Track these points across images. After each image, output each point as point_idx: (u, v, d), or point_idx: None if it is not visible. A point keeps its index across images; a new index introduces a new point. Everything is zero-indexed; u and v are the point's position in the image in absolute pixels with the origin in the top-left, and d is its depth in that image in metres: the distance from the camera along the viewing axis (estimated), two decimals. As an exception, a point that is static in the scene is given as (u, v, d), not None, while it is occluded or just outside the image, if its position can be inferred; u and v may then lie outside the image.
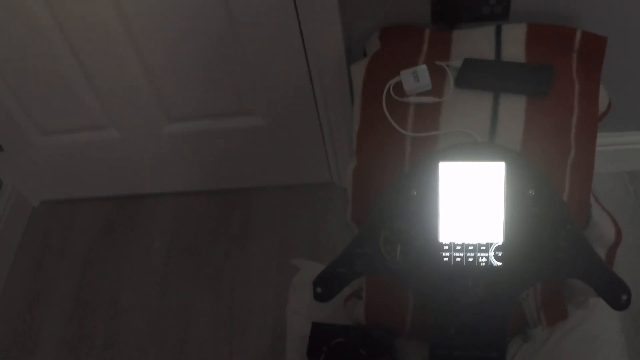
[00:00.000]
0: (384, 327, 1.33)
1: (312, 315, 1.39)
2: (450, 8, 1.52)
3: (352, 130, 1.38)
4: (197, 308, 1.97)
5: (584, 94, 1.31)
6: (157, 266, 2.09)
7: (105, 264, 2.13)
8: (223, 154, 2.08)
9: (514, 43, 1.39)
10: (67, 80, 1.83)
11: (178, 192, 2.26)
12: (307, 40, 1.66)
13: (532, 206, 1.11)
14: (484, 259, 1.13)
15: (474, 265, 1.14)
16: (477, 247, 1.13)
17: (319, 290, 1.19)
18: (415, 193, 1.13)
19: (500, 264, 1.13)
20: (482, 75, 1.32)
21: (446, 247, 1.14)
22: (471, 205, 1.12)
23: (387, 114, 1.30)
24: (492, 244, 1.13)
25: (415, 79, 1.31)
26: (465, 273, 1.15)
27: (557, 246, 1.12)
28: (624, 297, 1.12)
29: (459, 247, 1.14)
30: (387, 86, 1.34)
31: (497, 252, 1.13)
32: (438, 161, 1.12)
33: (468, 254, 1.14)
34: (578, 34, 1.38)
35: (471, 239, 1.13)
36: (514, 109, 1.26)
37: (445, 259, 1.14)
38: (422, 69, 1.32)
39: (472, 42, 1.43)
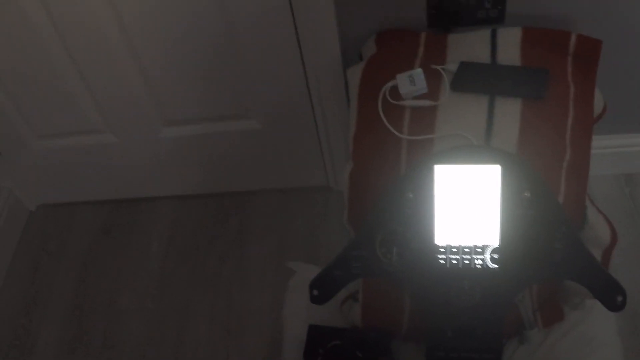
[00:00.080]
0: (380, 330, 1.33)
1: (308, 318, 1.39)
2: (446, 12, 1.52)
3: (348, 133, 1.39)
4: (194, 310, 1.97)
5: (579, 97, 1.32)
6: (154, 269, 2.09)
7: (103, 267, 2.13)
8: (220, 157, 2.08)
9: (510, 46, 1.40)
10: (64, 84, 1.83)
11: (175, 195, 2.26)
12: (304, 44, 1.67)
13: (528, 208, 1.12)
14: (480, 262, 1.14)
15: (470, 268, 1.14)
16: (473, 250, 1.13)
17: (315, 292, 1.20)
18: (411, 196, 1.14)
19: (496, 266, 1.14)
20: (477, 79, 1.32)
21: (442, 250, 1.14)
22: (467, 207, 1.12)
23: (383, 117, 1.31)
24: (488, 246, 1.13)
25: (411, 82, 1.32)
26: (461, 275, 1.15)
27: (553, 248, 1.12)
28: (620, 298, 1.12)
29: (455, 250, 1.14)
30: (383, 90, 1.34)
31: (493, 255, 1.13)
32: (434, 164, 1.12)
33: (464, 257, 1.14)
34: (573, 38, 1.39)
35: (467, 241, 1.14)
36: (509, 112, 1.26)
37: (442, 262, 1.15)
38: (418, 72, 1.33)
39: (468, 45, 1.43)
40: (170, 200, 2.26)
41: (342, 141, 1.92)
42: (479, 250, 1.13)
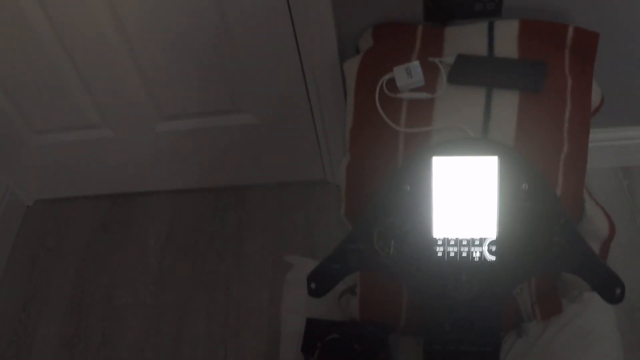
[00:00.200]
0: (378, 323, 1.33)
1: (306, 312, 1.39)
2: (443, 5, 1.52)
3: (345, 126, 1.38)
4: (192, 306, 1.97)
5: (577, 90, 1.31)
6: (152, 264, 2.09)
7: (100, 263, 2.13)
8: (217, 152, 2.08)
9: (507, 39, 1.39)
10: (61, 80, 1.82)
11: (172, 190, 2.26)
12: (300, 38, 1.66)
13: (525, 201, 1.12)
14: (478, 254, 1.14)
15: (467, 260, 1.14)
16: (471, 242, 1.13)
17: (313, 285, 1.20)
18: (408, 188, 1.14)
19: (494, 258, 1.14)
20: (474, 71, 1.32)
21: (440, 242, 1.14)
22: (465, 200, 1.12)
23: (380, 110, 1.30)
24: (485, 238, 1.13)
25: (408, 75, 1.32)
26: (459, 268, 1.15)
27: (550, 240, 1.12)
28: (618, 290, 1.12)
29: (452, 242, 1.14)
30: (380, 82, 1.34)
31: (490, 247, 1.13)
32: (431, 156, 1.12)
33: (462, 249, 1.14)
34: (570, 30, 1.38)
35: (465, 233, 1.14)
36: (507, 105, 1.26)
37: (439, 254, 1.15)
38: (415, 65, 1.33)
39: (465, 38, 1.43)
40: (168, 195, 2.26)
41: (340, 135, 1.92)
42: (477, 242, 1.13)
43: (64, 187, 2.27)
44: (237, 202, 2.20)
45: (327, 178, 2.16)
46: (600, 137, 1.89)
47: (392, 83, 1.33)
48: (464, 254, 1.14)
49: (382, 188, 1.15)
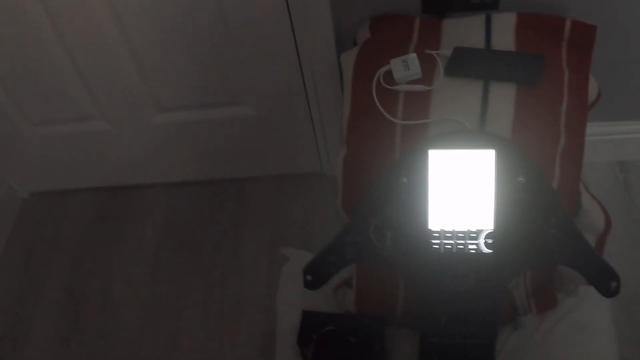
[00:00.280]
0: (374, 316, 1.33)
1: (302, 304, 1.39)
2: (440, -3, 1.52)
3: (342, 119, 1.38)
4: (188, 298, 1.97)
5: (574, 83, 1.31)
6: (148, 257, 2.09)
7: (97, 255, 2.13)
8: (213, 144, 2.07)
9: (504, 32, 1.39)
10: (58, 72, 1.82)
11: (169, 182, 2.26)
12: (298, 29, 1.66)
13: (522, 193, 1.12)
14: (474, 246, 1.13)
15: (464, 253, 1.14)
16: (467, 235, 1.13)
17: (309, 278, 1.20)
18: (405, 181, 1.13)
19: (490, 251, 1.13)
20: (472, 64, 1.32)
21: (436, 235, 1.14)
22: (461, 192, 1.12)
23: (377, 102, 1.30)
24: (482, 231, 1.13)
25: (405, 67, 1.31)
26: (455, 260, 1.15)
27: (547, 233, 1.12)
28: (614, 284, 1.12)
29: (449, 235, 1.14)
30: (377, 75, 1.34)
31: (487, 240, 1.13)
32: (428, 149, 1.12)
33: (458, 241, 1.14)
34: (568, 23, 1.38)
35: (461, 226, 1.13)
36: (504, 97, 1.26)
37: (435, 246, 1.15)
38: (412, 57, 1.32)
39: (462, 31, 1.43)
40: (164, 187, 2.26)
41: (336, 127, 1.92)
42: (473, 235, 1.13)
43: (61, 180, 2.27)
44: (233, 195, 2.20)
45: (323, 170, 2.16)
46: (596, 131, 1.89)
47: (389, 75, 1.33)
48: (460, 247, 1.14)
49: (379, 180, 1.15)
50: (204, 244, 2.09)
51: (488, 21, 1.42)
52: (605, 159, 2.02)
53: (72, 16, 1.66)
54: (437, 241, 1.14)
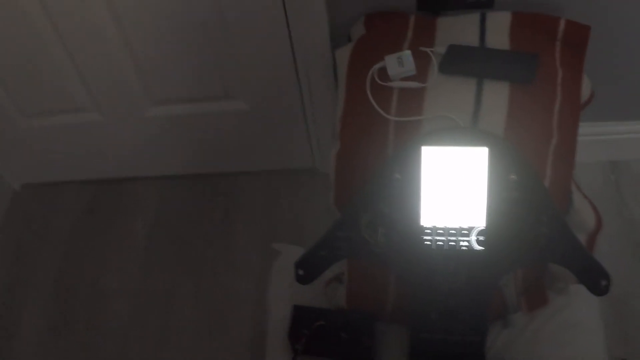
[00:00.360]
0: (365, 311, 1.33)
1: (293, 299, 1.39)
2: (436, -5, 1.52)
3: (335, 114, 1.38)
4: (179, 292, 1.97)
5: (567, 82, 1.32)
6: (139, 250, 2.09)
7: (87, 248, 2.12)
8: (206, 138, 2.07)
9: (498, 31, 1.39)
10: (51, 62, 1.81)
11: (161, 176, 2.25)
12: (292, 25, 1.66)
13: (514, 191, 1.12)
14: (466, 243, 1.14)
15: (455, 250, 1.15)
16: (459, 232, 1.14)
17: (300, 272, 1.20)
18: (398, 177, 1.14)
19: (482, 248, 1.14)
20: (466, 62, 1.32)
21: (428, 231, 1.14)
22: (453, 189, 1.12)
23: (370, 98, 1.30)
24: (474, 228, 1.13)
25: (399, 64, 1.31)
26: (446, 257, 1.15)
27: (538, 231, 1.13)
28: (604, 282, 1.13)
29: (441, 231, 1.14)
30: (372, 71, 1.34)
31: (479, 237, 1.13)
32: (421, 145, 1.12)
33: (450, 238, 1.14)
34: (562, 23, 1.39)
35: (453, 223, 1.14)
36: (497, 95, 1.26)
37: (427, 243, 1.15)
38: (407, 54, 1.32)
39: (457, 29, 1.43)
40: (156, 180, 2.25)
41: (329, 123, 1.91)
42: (465, 232, 1.13)
43: (52, 172, 2.27)
44: (225, 189, 2.20)
45: (315, 166, 2.16)
46: (589, 131, 1.90)
47: (383, 72, 1.33)
48: (452, 243, 1.14)
49: (372, 176, 1.15)
50: (194, 237, 2.09)
51: (483, 20, 1.42)
52: (597, 159, 2.03)
53: (68, 9, 1.65)
54: (429, 238, 1.14)
